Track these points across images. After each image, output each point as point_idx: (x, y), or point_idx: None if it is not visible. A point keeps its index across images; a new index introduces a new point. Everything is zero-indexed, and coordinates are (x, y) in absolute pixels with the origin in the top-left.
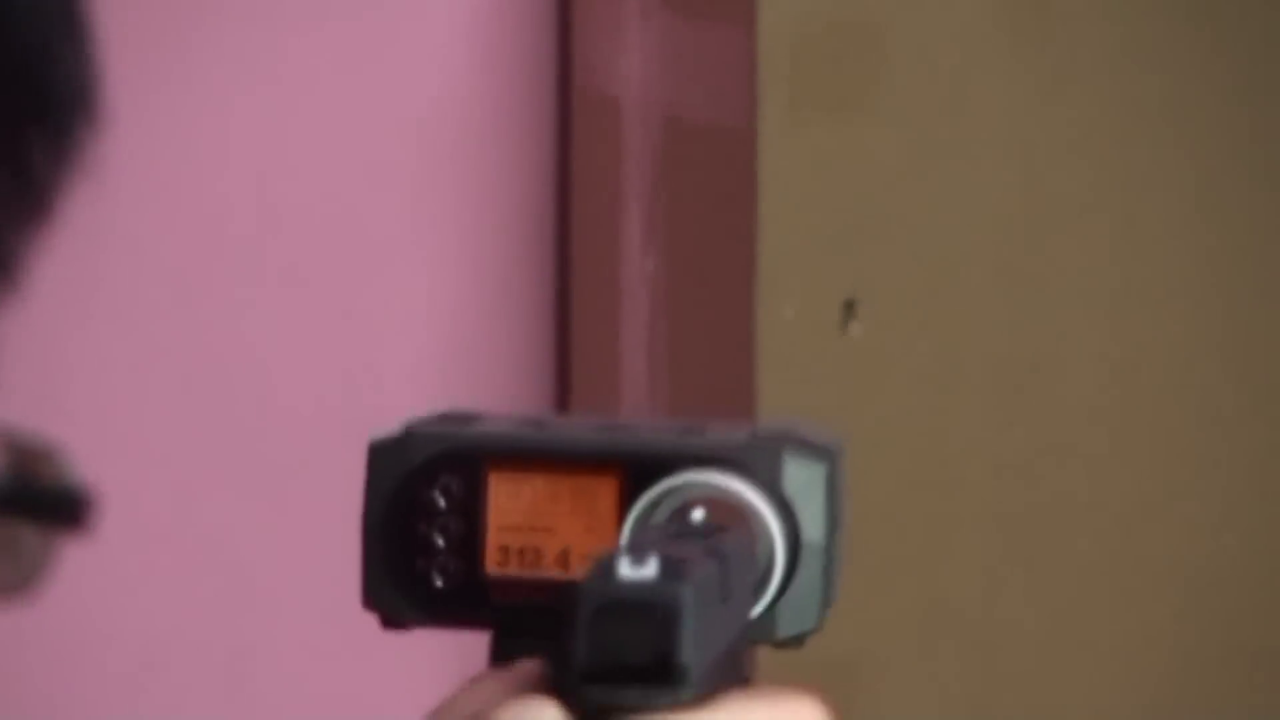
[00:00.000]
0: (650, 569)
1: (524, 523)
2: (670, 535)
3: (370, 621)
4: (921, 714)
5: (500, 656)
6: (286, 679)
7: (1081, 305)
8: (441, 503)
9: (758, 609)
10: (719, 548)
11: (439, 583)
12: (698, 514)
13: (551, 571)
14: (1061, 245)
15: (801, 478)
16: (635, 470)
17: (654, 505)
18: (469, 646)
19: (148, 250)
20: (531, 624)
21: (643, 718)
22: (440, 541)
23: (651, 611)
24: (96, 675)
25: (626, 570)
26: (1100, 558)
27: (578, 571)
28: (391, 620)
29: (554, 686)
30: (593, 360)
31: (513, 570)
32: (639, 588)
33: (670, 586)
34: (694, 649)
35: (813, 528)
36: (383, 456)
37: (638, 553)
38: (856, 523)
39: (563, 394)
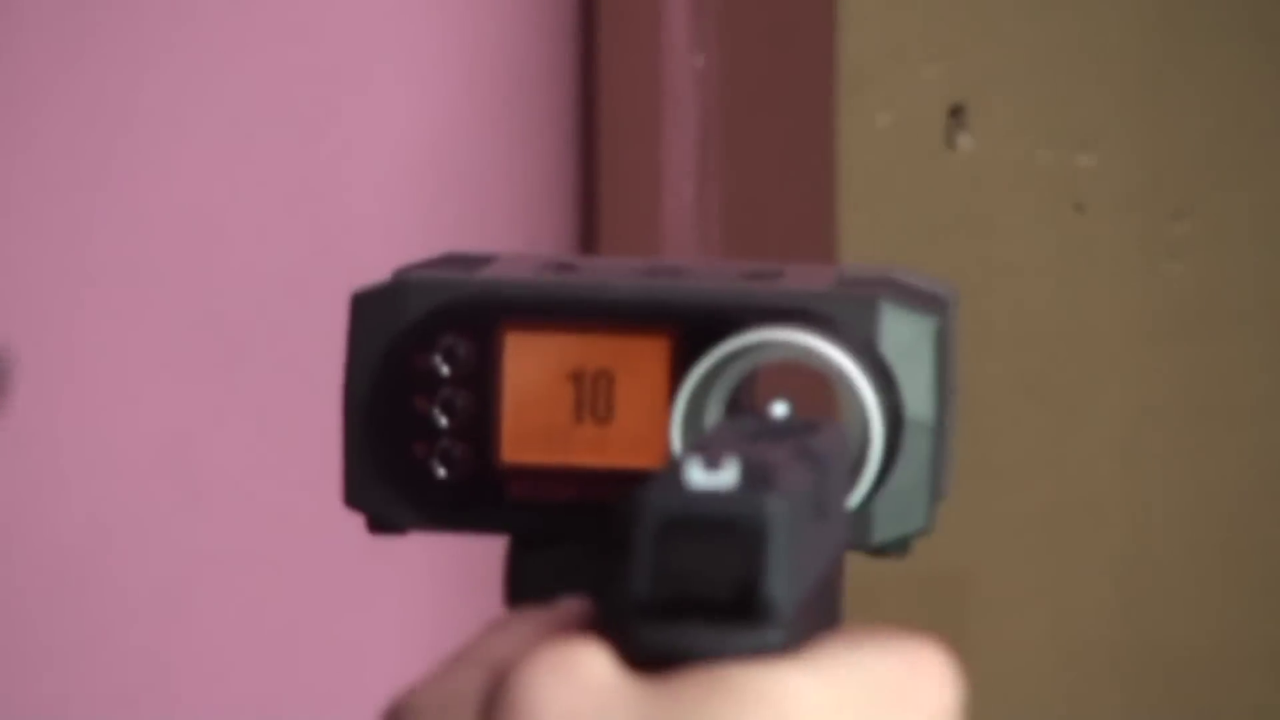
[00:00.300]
0: (728, 475)
1: (550, 397)
2: (747, 431)
3: (352, 525)
4: (1051, 635)
5: (520, 574)
6: (239, 595)
7: (1221, 138)
8: (444, 370)
9: (853, 499)
10: (811, 447)
11: (441, 473)
12: (780, 409)
13: (586, 459)
14: (1197, 47)
15: (904, 336)
16: (691, 327)
17: (714, 372)
18: (478, 559)
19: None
20: (560, 528)
21: (719, 667)
22: (443, 421)
23: (731, 529)
24: (34, 575)
25: (698, 476)
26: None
27: (619, 459)
28: (381, 521)
29: (602, 624)
30: (628, 186)
31: (536, 458)
32: (715, 499)
33: (755, 498)
34: (785, 579)
35: (918, 400)
36: (369, 312)
37: (711, 453)
38: (968, 399)
39: (590, 230)
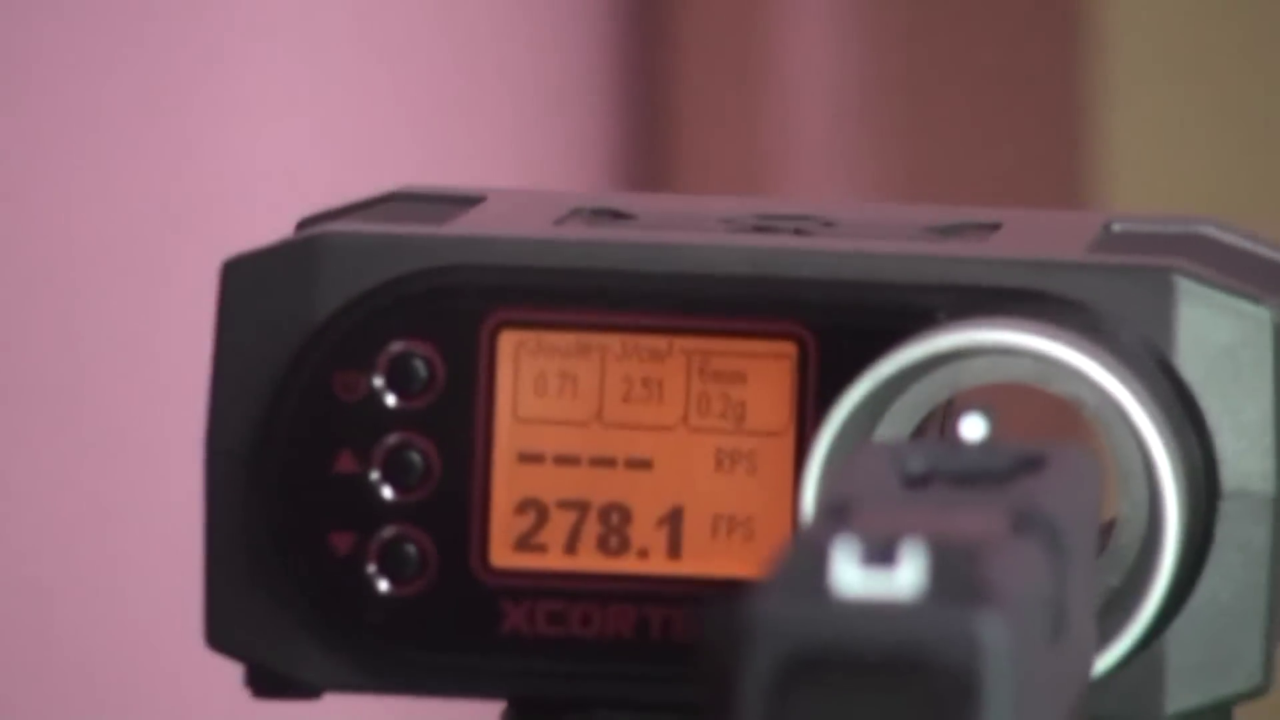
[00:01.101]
0: (907, 575)
1: (581, 444)
2: (915, 477)
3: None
4: None
5: None
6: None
7: None
8: (390, 401)
9: (1121, 644)
10: (1042, 510)
11: (382, 587)
12: (973, 425)
13: (641, 561)
14: None
15: (1223, 340)
16: (834, 324)
17: (878, 402)
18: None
19: None
20: (594, 683)
21: None
22: (387, 492)
23: (916, 674)
24: None
25: (852, 577)
26: None
27: (705, 558)
28: (273, 677)
29: None
30: (720, 69)
31: (552, 560)
32: (885, 621)
33: (959, 619)
34: None
35: (1247, 454)
36: (253, 295)
37: (870, 532)
38: None
39: (661, 149)
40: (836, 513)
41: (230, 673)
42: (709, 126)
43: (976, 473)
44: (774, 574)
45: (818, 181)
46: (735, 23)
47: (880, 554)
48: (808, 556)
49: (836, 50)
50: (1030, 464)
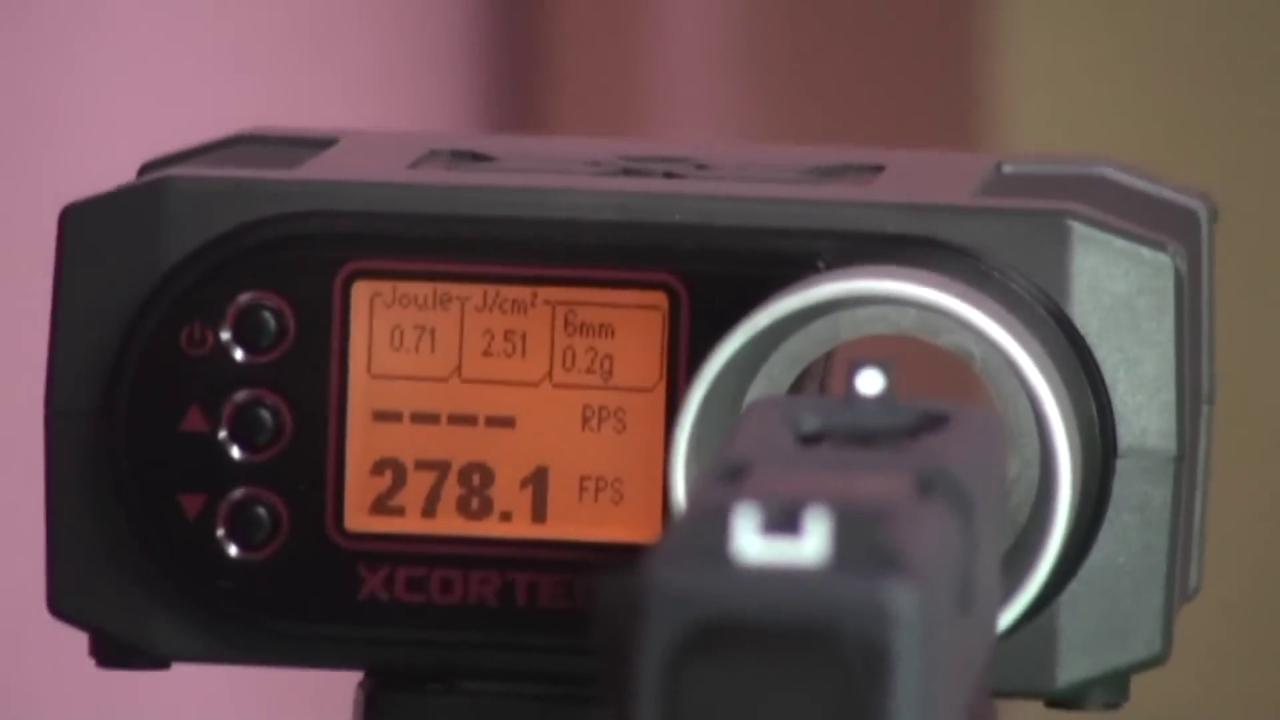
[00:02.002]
0: (813, 541)
1: (439, 401)
2: (812, 433)
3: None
4: None
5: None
6: None
7: None
8: (238, 355)
9: (1011, 610)
10: (947, 472)
11: (232, 551)
12: (870, 379)
13: (508, 525)
14: None
15: (1119, 289)
16: (707, 273)
17: (751, 357)
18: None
19: None
20: (462, 654)
21: None
22: (235, 451)
23: (825, 648)
24: None
25: (753, 543)
26: None
27: (574, 521)
28: (118, 645)
29: None
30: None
31: (411, 522)
32: (793, 589)
33: (870, 587)
34: None
35: (1146, 411)
36: (96, 242)
37: (772, 494)
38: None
39: (512, 86)
40: (732, 474)
41: (77, 641)
42: (583, 66)
43: (875, 431)
44: (671, 540)
45: (698, 125)
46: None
47: (783, 519)
48: (706, 522)
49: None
50: (932, 422)
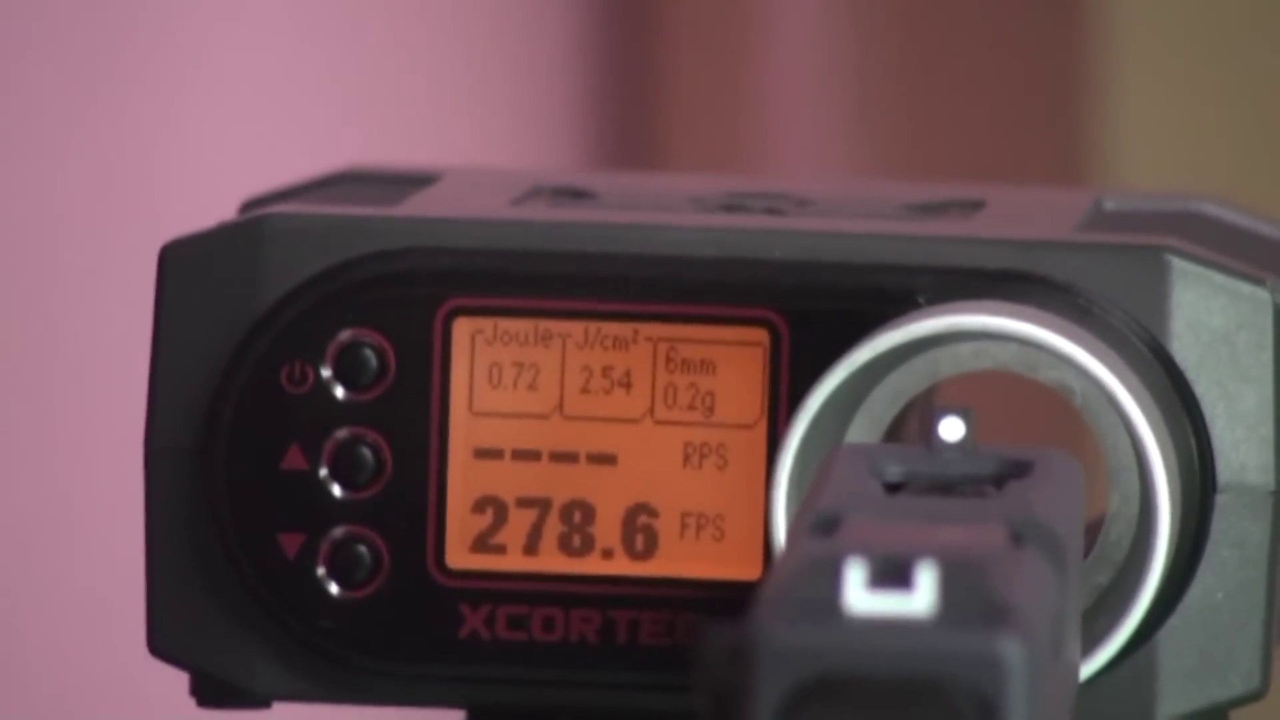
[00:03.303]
0: (923, 596)
1: (540, 438)
2: (899, 481)
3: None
4: None
5: None
6: None
7: None
8: (339, 393)
9: (1111, 646)
10: (1040, 525)
11: (333, 590)
12: (951, 427)
13: (610, 563)
14: None
15: (1218, 324)
16: (808, 310)
17: (856, 390)
18: None
19: None
20: (561, 695)
21: None
22: (337, 490)
23: (936, 699)
24: None
25: (861, 597)
26: None
27: (679, 559)
28: (218, 685)
29: None
30: (700, 45)
31: (513, 561)
32: (905, 644)
33: (982, 640)
34: None
35: (1244, 447)
36: (195, 282)
37: (877, 547)
38: None
39: (619, 124)
40: (826, 524)
41: (178, 681)
42: (690, 103)
43: (959, 478)
44: (779, 593)
45: (803, 162)
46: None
47: (892, 573)
48: (814, 575)
49: (825, 23)
50: (1015, 469)
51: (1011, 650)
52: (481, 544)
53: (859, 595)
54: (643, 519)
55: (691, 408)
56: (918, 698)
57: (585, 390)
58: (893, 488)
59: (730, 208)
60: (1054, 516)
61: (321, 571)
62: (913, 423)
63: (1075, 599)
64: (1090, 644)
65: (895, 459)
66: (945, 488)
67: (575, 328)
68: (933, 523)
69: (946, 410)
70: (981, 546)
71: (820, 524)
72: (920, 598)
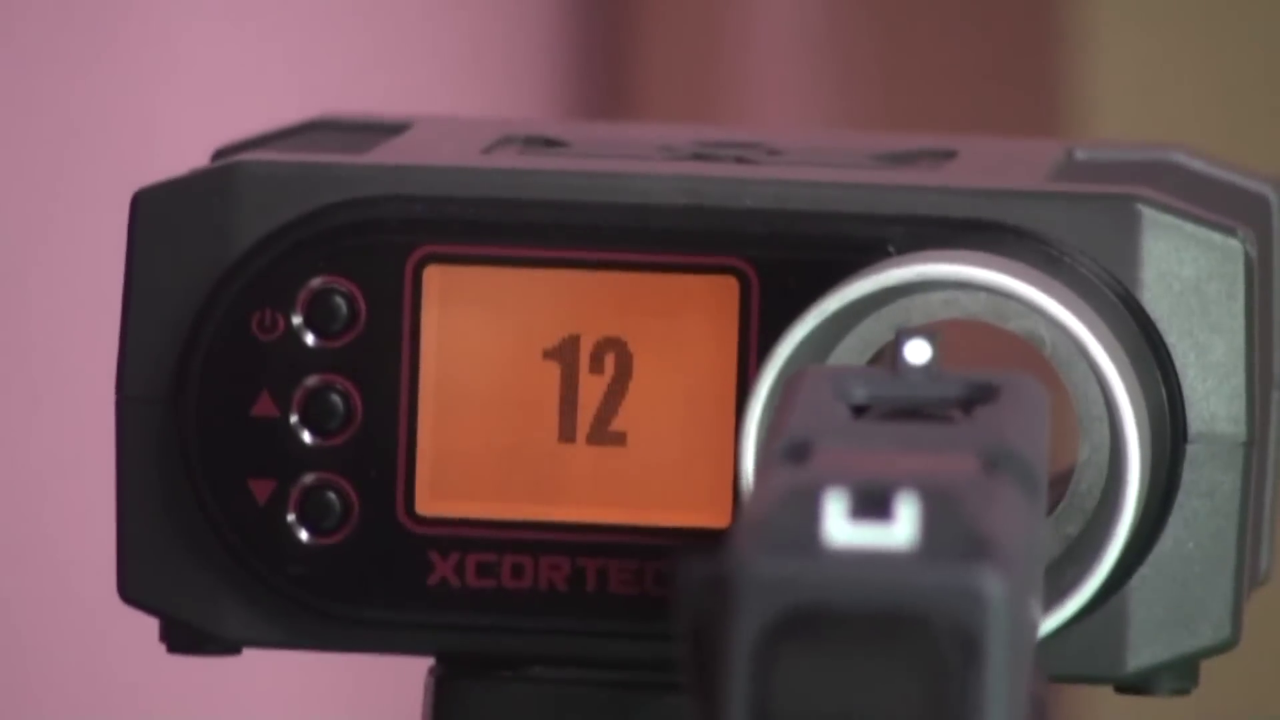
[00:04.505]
0: (904, 526)
1: (512, 394)
2: (865, 404)
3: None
4: None
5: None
6: None
7: None
8: (309, 340)
9: (1081, 595)
10: (1014, 453)
11: (303, 536)
12: (917, 349)
13: (583, 509)
14: None
15: (1189, 274)
16: (779, 258)
17: (823, 338)
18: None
19: None
20: (537, 642)
21: None
22: (307, 436)
23: (918, 634)
24: None
25: (841, 527)
26: None
27: (649, 507)
28: (188, 630)
29: None
30: None
31: (485, 508)
32: (888, 574)
33: (965, 573)
34: (1004, 707)
35: (1215, 397)
36: (167, 228)
37: (854, 477)
38: None
39: (594, 73)
40: (796, 451)
41: (148, 626)
42: (665, 54)
43: (926, 401)
44: (758, 524)
45: (778, 113)
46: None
47: (873, 504)
48: (793, 506)
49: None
50: (981, 393)
51: (993, 585)
52: (451, 491)
53: (839, 526)
54: (612, 465)
55: (661, 355)
56: (898, 630)
57: (555, 337)
58: (858, 410)
59: (700, 156)
60: (1025, 444)
61: (291, 518)
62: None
63: (1042, 528)
64: (1060, 594)
65: (861, 382)
66: (912, 411)
67: (545, 275)
68: (906, 450)
69: (912, 333)
70: (958, 475)
71: (792, 450)
72: (900, 529)
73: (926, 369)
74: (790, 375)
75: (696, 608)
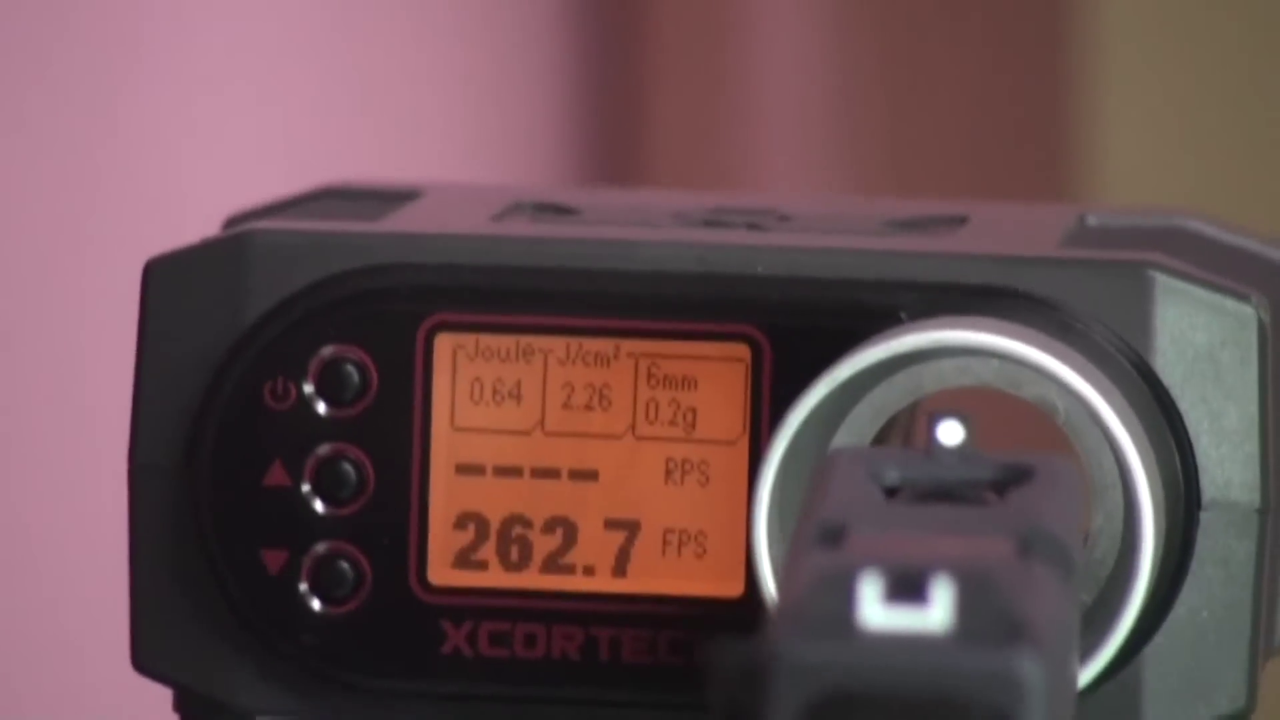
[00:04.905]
0: (939, 610)
1: (522, 454)
2: (898, 486)
3: None
4: None
5: None
6: None
7: None
8: (321, 409)
9: (1096, 664)
10: (1048, 535)
11: (315, 606)
12: (950, 430)
13: (596, 580)
14: None
15: (1202, 341)
16: (791, 326)
17: (836, 407)
18: None
19: None
20: (547, 709)
21: None
22: (319, 505)
23: (958, 717)
24: None
25: (876, 612)
26: None
27: (661, 577)
28: (201, 700)
29: None
30: (684, 61)
31: (499, 578)
32: (925, 660)
33: (1000, 657)
34: None
35: (1229, 463)
36: (178, 298)
37: (889, 561)
38: None
39: (603, 140)
40: (831, 535)
41: (160, 696)
42: (673, 120)
43: (959, 483)
44: (793, 608)
45: (786, 178)
46: (704, 9)
47: (908, 588)
48: (828, 590)
49: (809, 40)
50: (1015, 474)
51: (1030, 669)
52: (463, 560)
53: (874, 610)
54: (624, 535)
55: (673, 424)
56: (935, 714)
57: (567, 406)
58: (891, 492)
59: (712, 223)
60: (1059, 526)
61: (304, 588)
62: (895, 439)
63: (1076, 610)
64: None
65: (894, 463)
66: (945, 493)
67: (557, 343)
68: (940, 532)
69: (945, 414)
70: (993, 559)
71: (826, 534)
72: (936, 613)
73: (960, 450)
74: (823, 457)
75: (732, 693)
